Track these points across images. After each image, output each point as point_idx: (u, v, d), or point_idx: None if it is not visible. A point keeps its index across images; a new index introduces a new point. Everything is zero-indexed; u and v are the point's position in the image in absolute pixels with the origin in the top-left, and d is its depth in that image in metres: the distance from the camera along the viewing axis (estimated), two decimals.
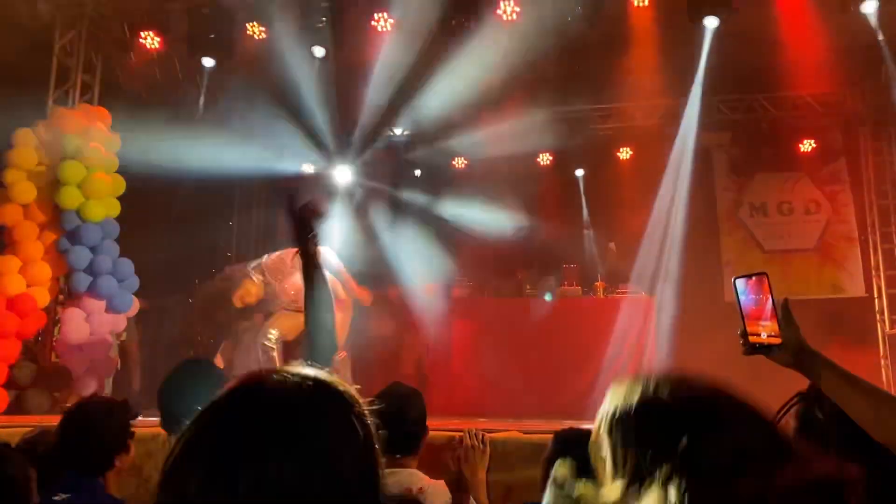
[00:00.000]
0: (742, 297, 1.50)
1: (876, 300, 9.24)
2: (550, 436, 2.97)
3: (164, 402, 1.88)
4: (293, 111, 8.89)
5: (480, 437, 2.78)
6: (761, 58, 8.22)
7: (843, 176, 9.60)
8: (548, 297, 7.46)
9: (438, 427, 2.92)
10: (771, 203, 9.74)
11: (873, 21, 6.80)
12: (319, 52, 6.98)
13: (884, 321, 9.13)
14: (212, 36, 7.13)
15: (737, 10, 6.34)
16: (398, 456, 2.25)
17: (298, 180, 10.63)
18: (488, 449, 2.77)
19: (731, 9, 6.28)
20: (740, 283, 1.51)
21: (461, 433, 2.83)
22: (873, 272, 9.33)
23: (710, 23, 6.41)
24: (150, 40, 7.21)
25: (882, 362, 8.74)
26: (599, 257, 8.62)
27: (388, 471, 2.32)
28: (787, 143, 9.48)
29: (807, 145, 9.48)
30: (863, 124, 9.52)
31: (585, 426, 2.31)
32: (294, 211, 1.86)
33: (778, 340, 1.43)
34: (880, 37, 7.12)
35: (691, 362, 7.93)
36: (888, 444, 1.34)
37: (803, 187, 9.68)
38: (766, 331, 1.45)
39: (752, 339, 1.47)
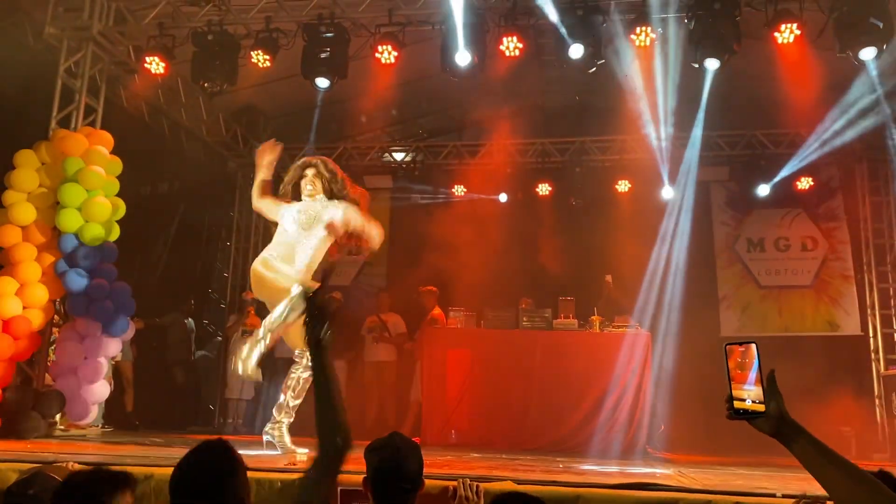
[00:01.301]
0: (731, 363, 1.53)
1: (871, 339, 9.27)
2: (545, 487, 2.98)
3: (174, 488, 1.82)
4: (295, 138, 8.94)
5: (475, 488, 2.77)
6: (760, 95, 8.33)
7: (839, 213, 9.67)
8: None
9: (432, 472, 2.91)
10: (768, 239, 9.80)
11: (871, 68, 6.86)
12: (323, 83, 7.03)
13: (878, 360, 9.15)
14: (216, 62, 7.17)
15: (737, 53, 6.41)
16: None
17: None
18: (482, 501, 2.76)
19: (732, 51, 6.35)
20: (730, 348, 1.54)
21: (455, 483, 2.82)
22: (869, 311, 9.37)
23: (711, 64, 6.48)
24: (155, 65, 7.25)
25: (876, 402, 8.75)
26: (597, 290, 8.62)
27: None
28: (786, 180, 9.55)
29: (804, 182, 9.55)
30: (859, 162, 9.61)
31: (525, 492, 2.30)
32: (316, 301, 1.90)
33: (761, 408, 1.47)
34: (877, 83, 7.20)
35: (687, 397, 7.94)
36: None
37: (800, 224, 9.74)
38: (751, 397, 1.49)
39: (736, 404, 1.50)
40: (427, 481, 2.69)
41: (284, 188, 5.25)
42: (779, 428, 1.46)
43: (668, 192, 9.39)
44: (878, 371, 9.03)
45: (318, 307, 1.90)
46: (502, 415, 7.21)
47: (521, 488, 2.91)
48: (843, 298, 9.43)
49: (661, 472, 4.39)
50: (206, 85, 7.26)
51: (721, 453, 6.63)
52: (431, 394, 7.40)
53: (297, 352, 5.00)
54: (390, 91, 8.08)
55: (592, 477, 3.65)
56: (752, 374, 1.50)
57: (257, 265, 4.89)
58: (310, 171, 5.17)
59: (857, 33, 6.25)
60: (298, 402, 4.91)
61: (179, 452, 4.03)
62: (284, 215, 5.10)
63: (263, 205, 5.26)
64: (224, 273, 10.86)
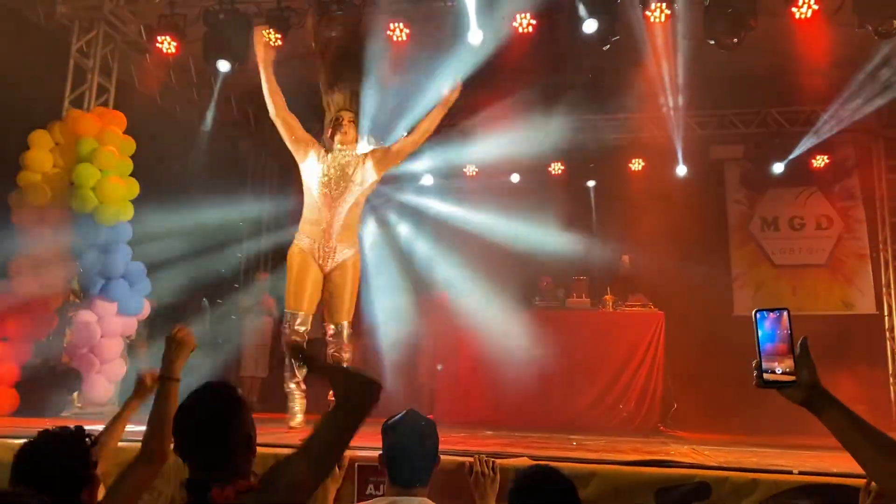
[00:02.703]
0: (760, 331, 1.50)
1: (886, 318, 9.21)
2: (560, 464, 2.99)
3: (179, 429, 1.83)
4: (307, 117, 8.90)
5: (490, 464, 2.78)
6: (775, 72, 8.21)
7: (855, 192, 9.57)
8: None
9: (447, 448, 2.93)
10: (782, 218, 9.72)
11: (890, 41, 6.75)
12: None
13: (893, 339, 9.11)
14: (227, 40, 7.14)
15: (754, 29, 6.32)
16: (409, 487, 2.25)
17: None
18: (498, 476, 2.77)
19: (749, 28, 6.25)
20: (761, 315, 1.51)
21: (471, 459, 2.83)
22: (884, 290, 9.30)
23: (727, 41, 6.38)
24: (167, 44, 7.23)
25: (890, 380, 8.71)
26: (612, 269, 8.60)
27: (400, 499, 2.33)
28: (801, 158, 9.46)
29: (820, 161, 9.45)
30: (876, 140, 9.49)
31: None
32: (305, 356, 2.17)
33: (792, 378, 1.45)
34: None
35: (700, 376, 7.94)
36: (890, 493, 1.35)
37: (816, 202, 9.66)
38: (781, 366, 1.46)
39: (766, 375, 1.47)
40: (443, 457, 2.70)
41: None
42: (810, 397, 1.44)
43: (682, 171, 9.32)
44: (892, 350, 8.99)
45: (307, 358, 2.11)
46: (516, 394, 7.22)
47: (538, 464, 2.92)
48: (858, 277, 9.36)
49: (675, 448, 4.40)
50: (217, 64, 7.25)
51: (733, 432, 6.64)
52: (445, 373, 7.44)
53: (329, 326, 5.08)
54: (400, 70, 8.02)
55: (607, 454, 3.66)
56: (783, 343, 1.47)
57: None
58: (346, 115, 5.13)
59: (877, 7, 6.14)
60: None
61: None
62: (310, 167, 5.07)
63: (291, 121, 5.29)
64: (237, 253, 10.88)
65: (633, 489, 2.77)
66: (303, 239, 5.08)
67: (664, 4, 6.54)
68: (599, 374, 7.30)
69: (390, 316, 8.72)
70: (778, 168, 9.39)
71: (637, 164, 9.86)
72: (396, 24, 6.90)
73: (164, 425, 2.06)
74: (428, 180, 10.21)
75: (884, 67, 7.50)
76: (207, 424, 1.78)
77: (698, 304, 8.81)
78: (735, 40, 6.35)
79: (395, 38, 6.96)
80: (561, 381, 7.27)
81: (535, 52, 7.26)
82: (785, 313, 1.49)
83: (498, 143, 9.37)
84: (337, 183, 4.98)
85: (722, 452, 4.41)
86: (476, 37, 6.64)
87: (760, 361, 1.48)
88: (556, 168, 10.07)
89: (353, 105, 5.24)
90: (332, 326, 5.06)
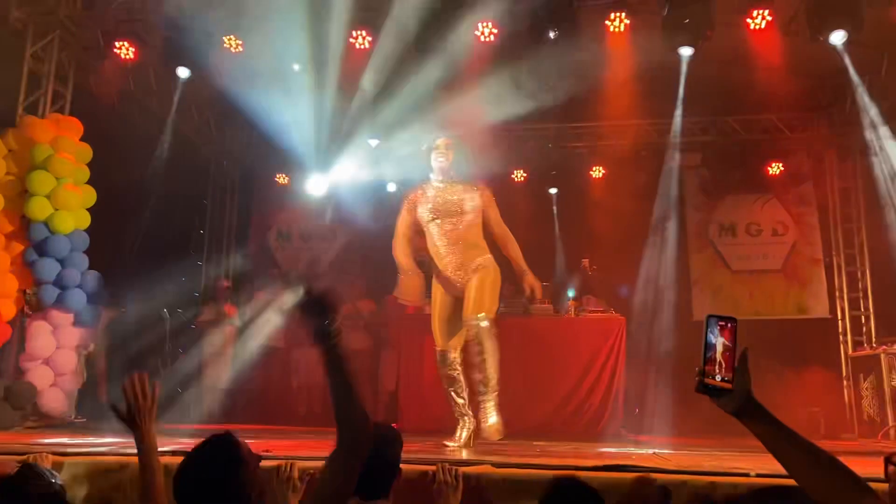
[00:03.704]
0: (709, 336, 1.52)
1: (839, 322, 9.45)
2: (523, 470, 3.01)
3: (179, 490, 1.74)
4: (268, 124, 8.86)
5: (453, 472, 2.79)
6: (732, 81, 8.38)
7: (810, 199, 9.81)
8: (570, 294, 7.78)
9: (410, 458, 2.93)
10: (740, 224, 9.92)
11: (841, 51, 6.97)
12: (296, 66, 6.97)
13: (846, 343, 9.34)
14: (189, 48, 7.07)
15: (710, 39, 6.46)
16: (372, 498, 2.24)
17: (272, 191, 10.61)
18: (461, 484, 2.78)
19: (705, 38, 6.40)
20: (712, 321, 1.53)
21: (434, 467, 2.83)
22: (837, 294, 9.54)
23: (686, 51, 6.53)
24: (125, 50, 7.13)
25: (844, 383, 8.93)
26: (574, 275, 8.67)
27: None
28: (757, 166, 9.67)
29: (775, 168, 9.68)
30: (829, 148, 9.75)
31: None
32: (313, 295, 1.84)
33: (729, 386, 1.47)
34: (850, 69, 7.30)
35: (661, 380, 8.05)
36: (820, 502, 1.38)
37: (771, 209, 9.87)
38: (721, 374, 1.49)
39: (706, 380, 1.49)
40: (406, 466, 2.70)
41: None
42: (743, 408, 1.47)
43: (640, 178, 9.46)
44: (845, 353, 9.22)
45: (316, 300, 1.83)
46: None
47: (501, 472, 2.94)
48: (812, 282, 9.60)
49: (636, 454, 4.45)
50: (177, 71, 7.17)
51: (695, 435, 6.73)
52: (409, 380, 7.42)
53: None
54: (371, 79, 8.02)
55: (569, 459, 3.69)
56: (727, 351, 1.49)
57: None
58: (441, 142, 5.13)
59: (828, 18, 6.33)
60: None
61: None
62: (422, 217, 5.12)
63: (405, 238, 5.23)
64: (198, 262, 10.75)
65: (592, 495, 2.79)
66: None
67: (623, 14, 6.66)
68: (562, 380, 7.35)
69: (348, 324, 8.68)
70: (735, 175, 9.58)
71: (598, 172, 9.98)
72: (359, 33, 6.89)
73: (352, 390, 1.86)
74: (391, 188, 10.20)
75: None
76: (209, 486, 1.72)
77: (660, 310, 8.94)
78: (692, 50, 6.48)
79: (357, 46, 6.96)
80: (524, 387, 7.30)
81: (497, 61, 7.33)
82: (734, 323, 1.52)
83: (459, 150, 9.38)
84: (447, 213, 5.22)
85: (683, 456, 4.48)
86: (439, 44, 6.67)
87: (703, 366, 1.50)
88: (519, 175, 10.15)
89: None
90: None
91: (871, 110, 7.99)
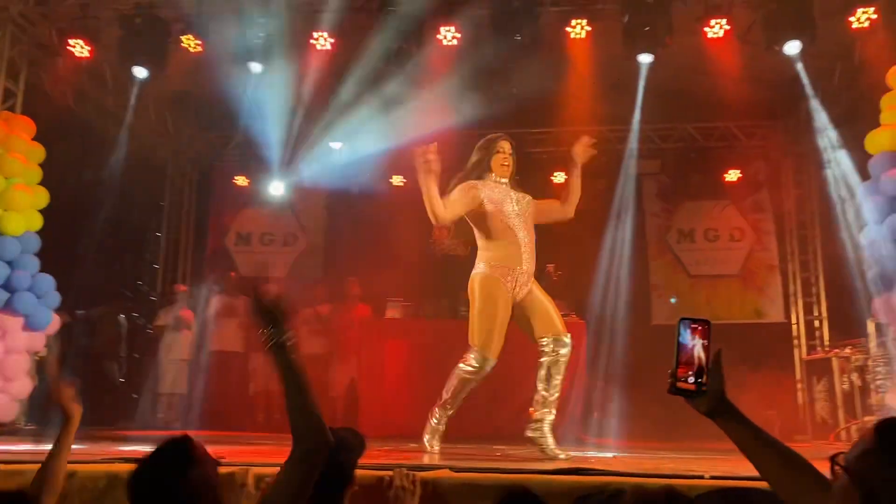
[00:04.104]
0: (681, 339, 1.53)
1: (793, 326, 9.65)
2: (482, 475, 3.00)
3: (132, 490, 1.72)
4: (227, 125, 8.75)
5: (411, 477, 2.76)
6: (691, 89, 8.52)
7: (766, 205, 10.01)
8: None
9: (367, 463, 2.89)
10: (698, 229, 10.07)
11: (796, 61, 7.13)
12: (256, 67, 6.88)
13: (800, 346, 9.53)
14: (144, 46, 6.93)
15: (669, 47, 6.55)
16: None
17: (231, 193, 10.46)
18: (418, 489, 2.75)
19: (664, 45, 6.49)
20: (684, 324, 1.54)
21: (391, 473, 2.80)
22: (792, 298, 9.74)
23: (645, 58, 6.61)
24: (80, 48, 6.97)
25: (798, 386, 9.10)
26: (539, 280, 8.69)
27: None
28: (715, 172, 9.82)
29: (733, 175, 9.85)
30: (785, 156, 9.96)
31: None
32: (264, 304, 1.83)
33: (704, 388, 1.49)
34: (804, 78, 7.47)
35: (620, 384, 8.11)
36: (789, 502, 1.40)
37: (729, 215, 10.04)
38: (694, 376, 1.50)
39: (679, 383, 1.51)
40: (363, 472, 2.67)
41: (466, 173, 4.73)
42: (716, 408, 1.49)
43: (600, 184, 9.54)
44: (799, 356, 9.41)
45: (268, 309, 1.82)
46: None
47: (459, 476, 2.92)
48: (768, 287, 9.79)
49: (595, 457, 4.47)
50: (134, 70, 7.03)
51: (655, 438, 6.80)
52: (368, 385, 7.36)
53: (542, 341, 4.85)
54: (328, 79, 7.95)
55: (529, 463, 3.69)
56: (700, 353, 1.51)
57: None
58: (506, 146, 4.79)
59: (783, 29, 6.47)
60: (555, 395, 4.81)
61: (103, 449, 3.88)
62: (497, 201, 4.62)
63: (457, 206, 4.62)
64: (154, 265, 10.54)
65: (551, 498, 2.78)
66: None
67: (585, 21, 6.71)
68: (524, 384, 7.34)
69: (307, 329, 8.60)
70: (693, 182, 9.72)
71: (560, 177, 10.04)
72: (320, 34, 6.83)
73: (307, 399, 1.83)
74: (355, 189, 10.14)
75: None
76: (163, 487, 1.70)
77: (620, 314, 9.02)
78: (652, 57, 6.57)
79: (318, 48, 6.90)
80: (487, 391, 7.27)
81: (459, 63, 7.34)
82: (707, 325, 1.53)
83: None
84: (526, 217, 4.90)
85: (641, 459, 4.51)
86: (400, 47, 6.65)
87: (676, 368, 1.51)
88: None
89: None
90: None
91: (822, 119, 8.19)
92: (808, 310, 9.69)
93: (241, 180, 10.35)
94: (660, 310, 9.81)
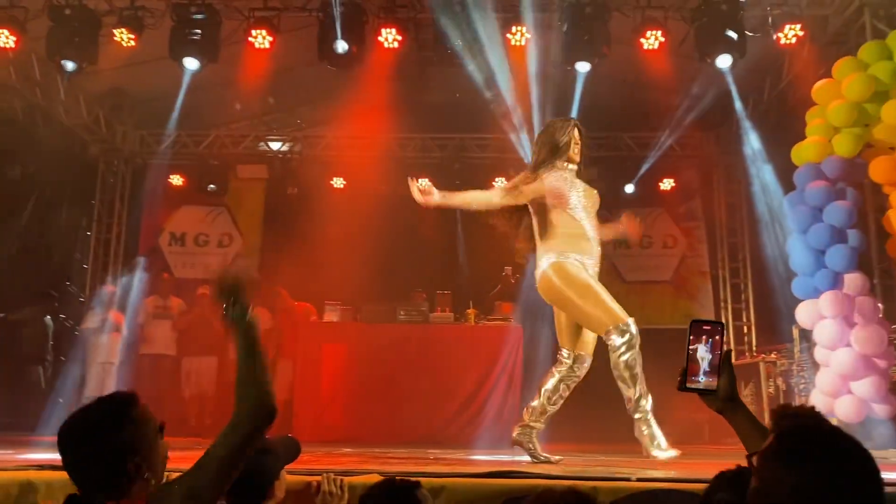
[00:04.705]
0: (692, 340, 1.61)
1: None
2: (412, 478, 2.98)
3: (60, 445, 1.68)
4: (163, 122, 8.55)
5: (338, 482, 2.72)
6: (627, 98, 8.72)
7: (698, 213, 10.29)
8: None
9: (296, 468, 2.85)
10: None
11: (727, 74, 7.35)
12: (192, 64, 6.73)
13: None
14: (74, 38, 6.71)
15: (606, 56, 6.68)
16: None
17: (166, 192, 10.21)
18: (346, 495, 2.71)
19: (602, 55, 6.61)
20: (696, 325, 1.62)
21: (319, 478, 2.76)
22: (722, 305, 10.03)
23: (583, 67, 6.72)
24: (5, 38, 6.70)
25: None
26: (494, 281, 8.72)
27: None
28: (649, 181, 10.04)
29: (666, 184, 10.10)
30: (717, 166, 10.27)
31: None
32: (226, 283, 1.81)
33: (713, 386, 1.57)
34: (734, 91, 7.71)
35: None
36: None
37: (662, 223, 10.28)
38: (705, 375, 1.58)
39: (689, 382, 1.59)
40: (290, 477, 2.63)
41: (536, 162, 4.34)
42: (726, 406, 1.58)
43: None
44: None
45: (230, 284, 1.81)
46: (378, 409, 7.18)
47: None
48: (700, 293, 10.06)
49: (528, 460, 4.50)
50: (62, 63, 6.79)
51: (590, 441, 6.89)
52: (304, 389, 7.28)
53: (563, 352, 4.40)
54: (266, 78, 7.85)
55: (460, 467, 3.68)
56: (710, 354, 1.59)
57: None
58: (576, 133, 4.35)
59: (715, 43, 6.67)
60: (554, 409, 4.41)
61: (17, 457, 3.72)
62: (567, 190, 4.24)
63: (522, 192, 4.29)
64: (83, 265, 10.19)
65: (481, 501, 2.79)
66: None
67: (524, 28, 6.79)
68: (460, 388, 7.39)
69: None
70: (628, 190, 9.91)
71: (501, 184, 10.10)
72: (259, 32, 6.73)
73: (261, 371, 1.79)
74: (293, 189, 10.03)
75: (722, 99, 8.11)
76: (86, 439, 1.66)
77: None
78: (589, 66, 6.68)
79: (257, 46, 6.80)
80: (423, 395, 7.30)
81: (401, 67, 7.34)
82: (720, 327, 1.62)
83: (366, 156, 9.34)
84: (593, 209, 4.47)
85: (574, 462, 4.56)
86: (342, 47, 6.59)
87: (686, 367, 1.59)
88: (424, 184, 10.13)
89: None
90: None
91: (750, 132, 8.49)
92: (737, 316, 10.00)
93: (176, 179, 10.10)
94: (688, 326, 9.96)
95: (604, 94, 8.49)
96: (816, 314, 6.07)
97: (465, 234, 9.69)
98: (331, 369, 7.30)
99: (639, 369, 4.17)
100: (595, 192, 4.45)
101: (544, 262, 4.26)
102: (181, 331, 8.52)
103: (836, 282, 5.96)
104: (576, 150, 4.35)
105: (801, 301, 6.34)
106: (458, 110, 9.43)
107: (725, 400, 1.57)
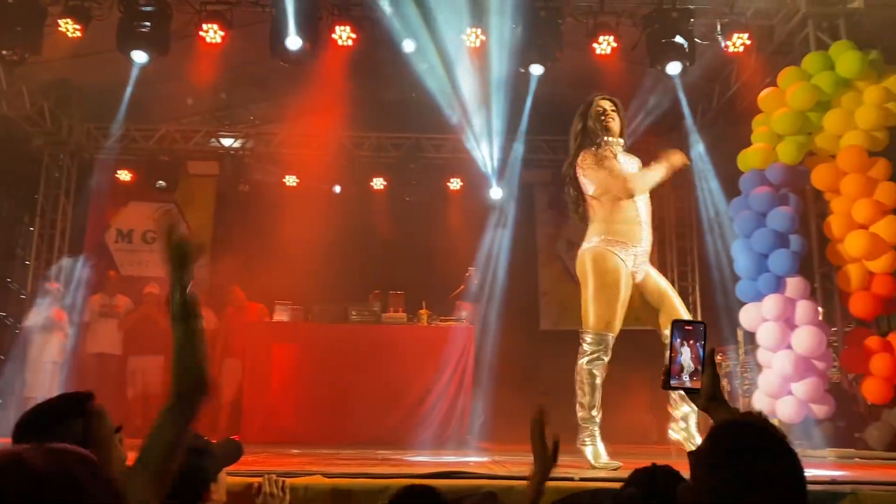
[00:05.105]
0: (674, 339, 1.63)
1: None
2: (355, 480, 2.96)
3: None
4: (110, 116, 8.34)
5: (280, 484, 2.69)
6: (581, 103, 8.78)
7: None
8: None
9: (239, 469, 2.81)
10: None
11: (676, 81, 7.49)
12: (141, 57, 6.58)
13: None
14: (17, 29, 6.50)
15: (559, 60, 6.74)
16: None
17: (113, 187, 9.98)
18: (288, 496, 2.68)
19: (555, 59, 6.67)
20: (678, 325, 1.65)
21: (260, 479, 2.72)
22: None
23: (536, 70, 6.77)
24: None
25: None
26: (425, 285, 8.72)
27: None
28: None
29: None
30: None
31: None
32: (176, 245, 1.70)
33: (697, 385, 1.61)
34: (682, 98, 7.86)
35: (509, 388, 8.25)
36: None
37: None
38: (689, 374, 1.62)
39: (672, 381, 1.62)
40: (231, 479, 2.59)
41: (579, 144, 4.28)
42: (709, 404, 1.60)
43: (496, 193, 9.71)
44: None
45: (178, 248, 1.71)
46: (329, 410, 7.13)
47: (331, 482, 2.87)
48: None
49: (475, 461, 4.52)
50: (4, 53, 6.58)
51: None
52: (254, 390, 7.18)
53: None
54: (218, 73, 7.72)
55: (405, 468, 3.68)
56: (694, 353, 1.62)
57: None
58: (607, 103, 4.33)
59: (665, 49, 6.78)
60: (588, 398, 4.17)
61: None
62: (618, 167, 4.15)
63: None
64: (25, 261, 9.89)
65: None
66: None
67: (479, 30, 6.81)
68: (412, 388, 7.38)
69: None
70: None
71: (456, 184, 10.15)
72: (210, 26, 6.62)
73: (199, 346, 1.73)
74: (245, 186, 9.88)
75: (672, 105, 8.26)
76: (44, 432, 1.68)
77: (509, 319, 9.19)
78: (543, 69, 6.73)
79: (209, 40, 6.68)
80: (375, 396, 7.27)
81: (356, 65, 7.29)
82: (702, 326, 1.65)
83: (318, 153, 9.27)
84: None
85: (521, 462, 4.58)
86: (294, 43, 6.52)
87: (669, 367, 1.62)
88: (379, 183, 10.13)
89: None
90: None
91: (698, 141, 8.68)
92: None
93: (124, 174, 9.88)
94: (548, 316, 10.06)
95: (558, 97, 8.55)
96: (759, 317, 6.22)
97: (424, 233, 9.67)
98: (281, 370, 7.22)
99: (599, 381, 4.19)
100: (639, 162, 4.37)
101: (587, 242, 4.29)
102: (127, 330, 8.34)
103: (778, 285, 6.11)
104: (611, 122, 4.33)
105: (745, 304, 6.49)
106: (414, 109, 9.42)
107: (708, 398, 1.60)
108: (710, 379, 1.61)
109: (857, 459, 5.59)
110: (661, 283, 4.40)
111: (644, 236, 4.26)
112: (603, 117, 4.31)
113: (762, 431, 1.33)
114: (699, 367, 1.62)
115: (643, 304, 4.40)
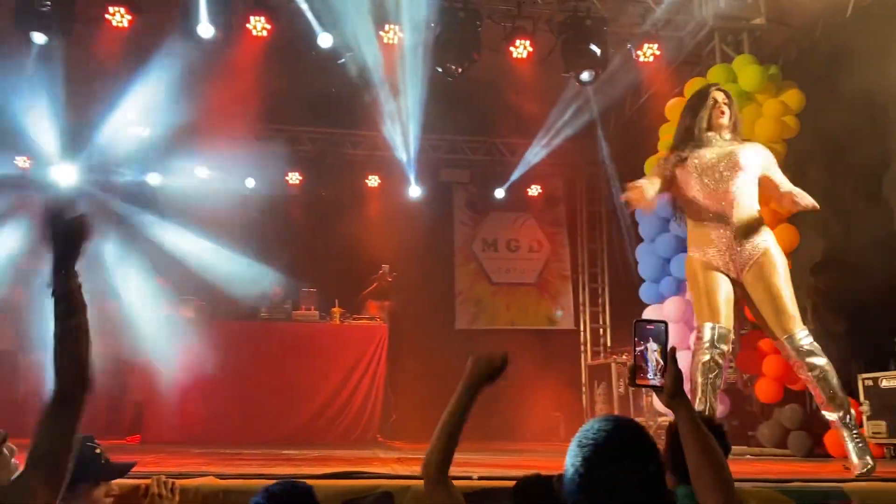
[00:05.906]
0: (638, 339, 1.67)
1: (581, 333, 10.38)
2: (248, 481, 2.90)
3: None
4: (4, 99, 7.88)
5: (170, 485, 2.60)
6: (498, 105, 8.89)
7: (562, 220, 10.70)
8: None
9: (133, 471, 2.70)
10: (501, 239, 10.55)
11: (589, 89, 7.66)
12: (40, 38, 6.25)
13: (586, 352, 10.27)
14: None
15: (477, 62, 6.78)
16: None
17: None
18: (177, 497, 2.60)
19: (472, 60, 6.70)
20: (639, 325, 1.68)
21: (149, 481, 2.63)
22: (581, 308, 10.47)
23: (453, 69, 6.79)
24: None
25: (583, 389, 9.78)
26: (339, 282, 8.63)
27: None
28: (519, 187, 10.33)
29: (534, 190, 10.43)
30: (579, 176, 10.72)
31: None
32: (60, 229, 1.60)
33: (660, 383, 1.64)
34: (593, 105, 8.06)
35: (422, 387, 8.26)
36: (697, 492, 1.55)
37: (529, 227, 10.61)
38: (652, 373, 1.66)
39: (638, 379, 1.66)
40: (119, 480, 2.50)
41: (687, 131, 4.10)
42: (672, 402, 1.63)
43: (414, 191, 9.70)
44: (585, 362, 10.12)
45: (63, 227, 1.61)
46: (236, 409, 6.99)
47: (224, 483, 2.80)
48: (561, 296, 10.46)
49: (379, 459, 4.50)
50: None
51: (483, 440, 6.95)
52: (156, 388, 6.94)
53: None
54: (129, 62, 7.40)
55: (305, 468, 3.63)
56: (656, 351, 1.66)
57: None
58: (720, 96, 4.14)
59: (579, 56, 6.92)
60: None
61: None
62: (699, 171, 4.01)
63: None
64: None
65: (320, 501, 2.75)
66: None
67: (398, 27, 6.78)
68: (322, 387, 7.31)
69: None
70: (499, 194, 10.16)
71: (374, 181, 10.08)
72: (117, 9, 6.35)
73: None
74: (154, 179, 9.51)
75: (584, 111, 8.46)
76: None
77: (424, 318, 9.21)
78: (460, 70, 6.76)
79: (114, 24, 6.41)
80: (284, 395, 7.16)
81: (270, 58, 7.14)
82: (662, 325, 1.68)
83: (231, 145, 9.02)
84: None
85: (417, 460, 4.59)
86: (206, 31, 6.32)
87: (634, 365, 1.67)
88: (294, 178, 9.96)
89: None
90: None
91: (604, 147, 8.96)
92: (594, 318, 10.47)
93: (22, 161, 9.36)
94: (463, 315, 10.13)
95: (477, 98, 8.63)
96: (661, 318, 6.44)
97: (339, 230, 9.53)
98: (185, 368, 7.00)
99: (712, 382, 4.14)
100: (730, 155, 4.09)
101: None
102: (18, 324, 7.91)
103: (679, 288, 6.34)
104: (718, 117, 4.15)
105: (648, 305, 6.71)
106: (333, 104, 9.29)
107: (671, 396, 1.64)
108: (672, 377, 1.65)
109: (748, 456, 5.87)
110: (763, 287, 4.18)
111: (739, 237, 4.12)
112: (719, 114, 4.17)
113: (627, 432, 1.43)
114: (662, 366, 1.67)
115: (751, 304, 4.27)
